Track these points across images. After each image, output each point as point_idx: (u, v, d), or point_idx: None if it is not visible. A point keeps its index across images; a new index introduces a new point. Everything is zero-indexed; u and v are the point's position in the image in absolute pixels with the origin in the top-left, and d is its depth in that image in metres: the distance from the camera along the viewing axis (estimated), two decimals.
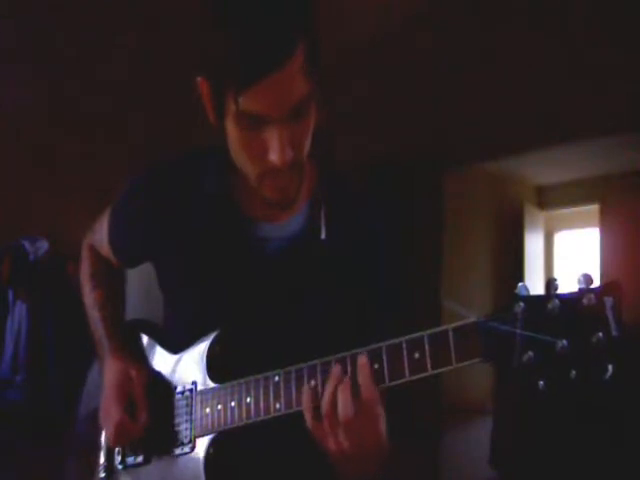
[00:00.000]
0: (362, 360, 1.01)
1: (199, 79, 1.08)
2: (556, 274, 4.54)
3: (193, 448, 1.17)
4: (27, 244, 3.57)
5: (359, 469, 1.06)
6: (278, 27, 0.98)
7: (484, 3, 3.08)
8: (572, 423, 2.91)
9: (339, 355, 1.03)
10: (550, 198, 4.51)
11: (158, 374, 1.27)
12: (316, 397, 1.03)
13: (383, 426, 1.03)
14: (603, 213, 4.04)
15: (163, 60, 3.29)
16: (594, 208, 4.13)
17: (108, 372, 1.27)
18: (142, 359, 1.30)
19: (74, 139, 3.83)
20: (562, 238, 4.59)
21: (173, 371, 1.25)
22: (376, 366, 1.00)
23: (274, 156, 1.04)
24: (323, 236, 1.17)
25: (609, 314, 0.85)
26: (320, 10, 1.05)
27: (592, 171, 4.05)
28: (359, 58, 3.37)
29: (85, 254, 1.44)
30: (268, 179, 1.09)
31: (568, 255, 4.53)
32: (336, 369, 1.02)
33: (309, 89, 1.02)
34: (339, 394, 1.00)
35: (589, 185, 4.19)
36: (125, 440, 1.24)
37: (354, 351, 1.02)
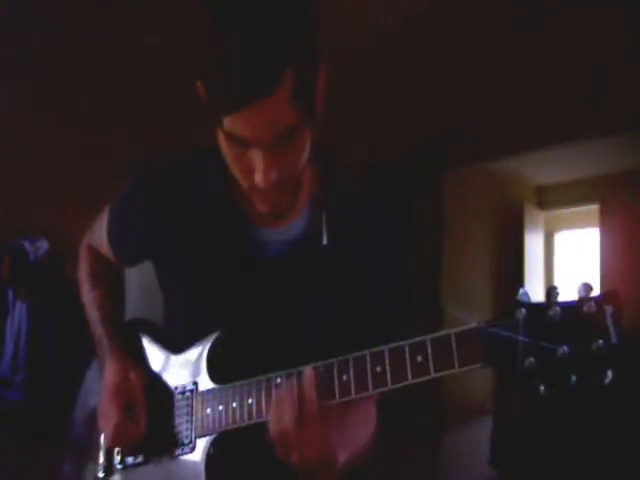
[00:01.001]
0: (307, 372, 1.03)
1: (199, 83, 1.07)
2: (556, 274, 4.55)
3: (193, 449, 1.17)
4: (27, 244, 3.57)
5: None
6: (266, 56, 0.96)
7: (484, 3, 3.08)
8: (572, 426, 2.91)
9: (341, 358, 1.03)
10: (550, 198, 4.51)
11: (158, 374, 1.27)
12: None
13: (331, 439, 1.03)
14: (603, 213, 4.05)
15: (164, 61, 3.29)
16: (594, 208, 4.13)
17: (107, 374, 1.26)
18: (142, 359, 1.30)
19: (74, 139, 3.83)
20: (562, 238, 4.60)
21: (173, 371, 1.25)
22: (378, 369, 1.00)
23: (258, 178, 1.03)
24: (325, 241, 1.17)
25: (609, 322, 0.85)
26: (320, 10, 1.04)
27: (592, 171, 4.06)
28: (359, 58, 3.37)
29: (83, 254, 1.44)
30: (258, 194, 1.09)
31: (568, 255, 4.53)
32: (286, 384, 1.04)
33: (297, 118, 1.00)
34: (284, 406, 1.02)
35: (589, 185, 4.20)
36: (123, 442, 1.24)
37: (356, 354, 1.02)
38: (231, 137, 1.02)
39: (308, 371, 1.03)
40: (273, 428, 1.03)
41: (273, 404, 1.05)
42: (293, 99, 0.98)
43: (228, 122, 0.99)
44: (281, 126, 1.00)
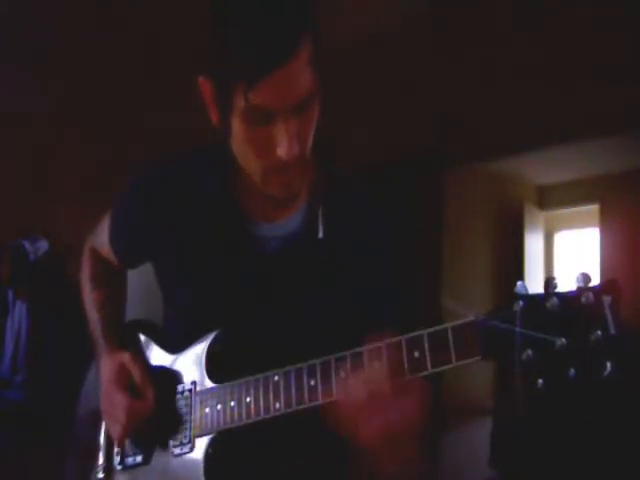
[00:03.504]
0: (379, 346, 0.99)
1: (200, 79, 1.08)
2: (556, 274, 4.54)
3: (192, 448, 1.17)
4: (27, 244, 3.57)
5: (396, 454, 1.01)
6: (285, 19, 0.98)
7: (484, 3, 3.09)
8: (572, 422, 2.91)
9: (338, 355, 1.03)
10: (550, 198, 4.51)
11: (157, 374, 1.27)
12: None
13: (418, 405, 1.00)
14: (603, 213, 4.04)
15: (164, 60, 3.29)
16: (594, 208, 4.13)
17: (104, 369, 1.27)
18: (140, 356, 1.30)
19: (74, 139, 3.83)
20: (562, 238, 4.59)
21: (172, 371, 1.25)
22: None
23: (282, 150, 1.04)
24: (321, 235, 1.17)
25: (607, 312, 0.85)
26: (320, 10, 1.05)
27: (592, 171, 4.05)
28: (359, 58, 3.37)
29: (86, 255, 1.45)
30: (274, 175, 1.09)
31: (568, 255, 4.53)
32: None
33: (315, 81, 1.03)
34: (373, 370, 0.99)
35: (589, 185, 4.20)
36: (136, 421, 1.22)
37: (353, 350, 1.02)
38: (254, 112, 1.02)
39: (381, 345, 1.00)
40: (345, 401, 0.99)
41: (346, 377, 1.01)
42: (311, 62, 1.01)
43: (253, 95, 1.00)
44: (304, 89, 1.02)
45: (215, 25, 1.03)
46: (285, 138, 1.03)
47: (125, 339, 1.32)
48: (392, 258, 1.24)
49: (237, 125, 1.06)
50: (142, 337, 1.34)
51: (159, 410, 1.22)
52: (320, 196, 1.20)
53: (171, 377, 1.25)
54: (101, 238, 1.38)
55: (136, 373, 1.23)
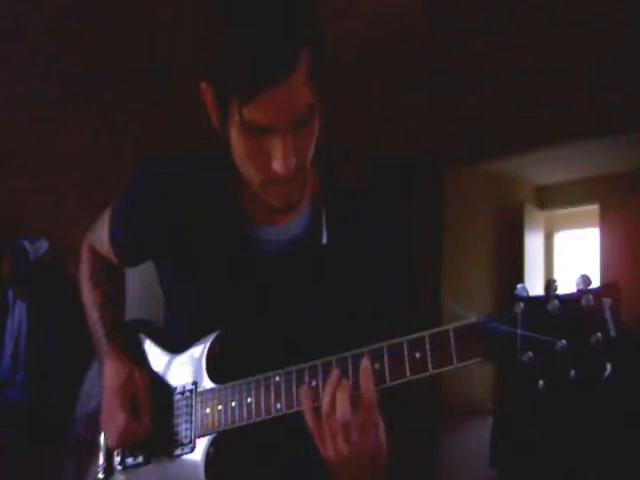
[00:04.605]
0: (365, 363, 1.01)
1: (203, 85, 1.07)
2: (556, 274, 4.54)
3: (193, 448, 1.17)
4: (27, 244, 3.57)
5: (356, 477, 1.05)
6: (282, 38, 0.96)
7: (484, 3, 3.09)
8: (572, 422, 2.91)
9: (340, 355, 1.03)
10: (550, 198, 4.51)
11: (158, 374, 1.27)
12: (317, 397, 1.03)
13: (382, 432, 1.03)
14: (603, 213, 4.05)
15: (166, 61, 3.29)
16: (594, 208, 4.13)
17: (108, 373, 1.26)
18: (142, 359, 1.30)
19: (74, 139, 3.83)
20: (562, 238, 4.60)
21: (173, 371, 1.25)
22: (377, 366, 1.00)
23: (278, 166, 1.03)
24: (324, 239, 1.17)
25: (608, 315, 0.85)
26: (320, 10, 1.04)
27: (592, 171, 4.06)
28: (359, 58, 3.37)
29: (85, 254, 1.44)
30: (271, 187, 1.08)
31: (568, 255, 4.53)
32: (334, 372, 1.02)
33: (313, 98, 1.01)
34: (338, 396, 1.00)
35: (589, 185, 4.20)
36: (128, 442, 1.24)
37: (354, 351, 1.02)
38: (251, 127, 1.01)
39: (365, 362, 1.01)
40: (323, 417, 1.01)
41: (325, 391, 1.02)
42: (310, 78, 0.99)
43: (248, 112, 0.99)
44: (301, 107, 1.00)
45: (214, 37, 1.02)
46: (281, 154, 1.02)
47: (127, 339, 1.32)
48: (393, 259, 1.24)
49: (235, 137, 1.05)
50: (143, 337, 1.34)
51: (157, 416, 1.22)
52: (323, 200, 1.19)
53: (172, 377, 1.25)
54: (100, 236, 1.38)
55: (142, 395, 1.23)
